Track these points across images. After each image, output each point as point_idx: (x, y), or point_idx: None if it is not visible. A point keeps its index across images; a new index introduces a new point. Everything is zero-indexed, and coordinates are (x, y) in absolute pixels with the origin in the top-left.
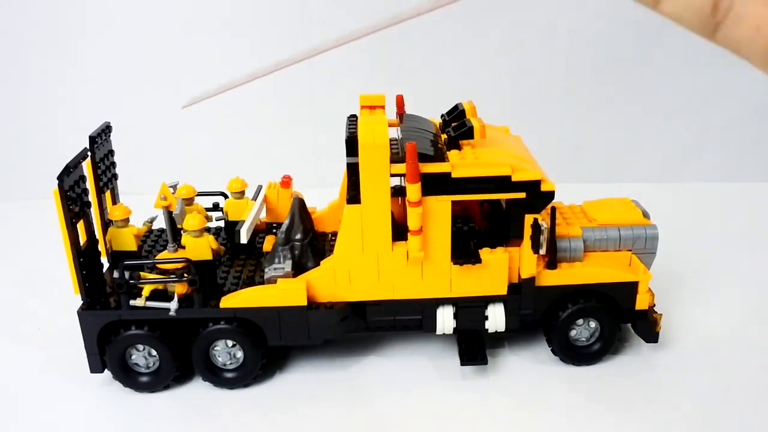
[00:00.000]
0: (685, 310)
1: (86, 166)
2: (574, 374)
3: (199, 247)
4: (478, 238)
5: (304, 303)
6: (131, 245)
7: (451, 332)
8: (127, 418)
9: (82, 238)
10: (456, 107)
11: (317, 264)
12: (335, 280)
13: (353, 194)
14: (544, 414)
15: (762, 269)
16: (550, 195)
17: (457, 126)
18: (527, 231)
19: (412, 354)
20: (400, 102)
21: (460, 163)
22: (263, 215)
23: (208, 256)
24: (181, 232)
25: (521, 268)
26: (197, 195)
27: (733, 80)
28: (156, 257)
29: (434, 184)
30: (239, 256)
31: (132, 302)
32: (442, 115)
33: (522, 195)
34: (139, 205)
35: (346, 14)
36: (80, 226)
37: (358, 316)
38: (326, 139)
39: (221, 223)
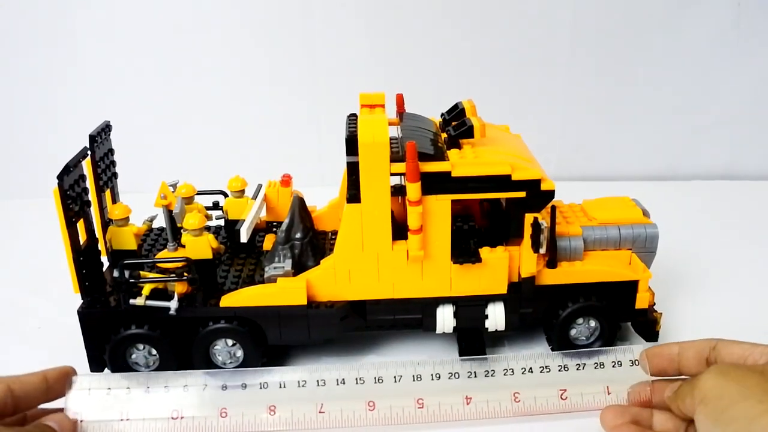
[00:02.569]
0: (685, 308)
1: (86, 165)
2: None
3: (199, 246)
4: (478, 236)
5: (304, 302)
6: (131, 244)
7: (451, 331)
8: None
9: (82, 237)
10: (456, 106)
11: (317, 263)
12: (335, 279)
13: (353, 193)
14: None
15: (762, 267)
16: (550, 194)
17: (457, 125)
18: (527, 230)
19: (412, 353)
20: (400, 101)
21: (460, 162)
22: (263, 214)
23: (208, 255)
24: (181, 230)
25: (521, 267)
26: (197, 194)
27: (733, 77)
28: (156, 256)
29: (434, 183)
30: (239, 255)
31: (132, 301)
32: (442, 114)
33: (522, 194)
34: (139, 203)
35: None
36: (80, 225)
37: (358, 315)
38: (326, 138)
39: (221, 222)
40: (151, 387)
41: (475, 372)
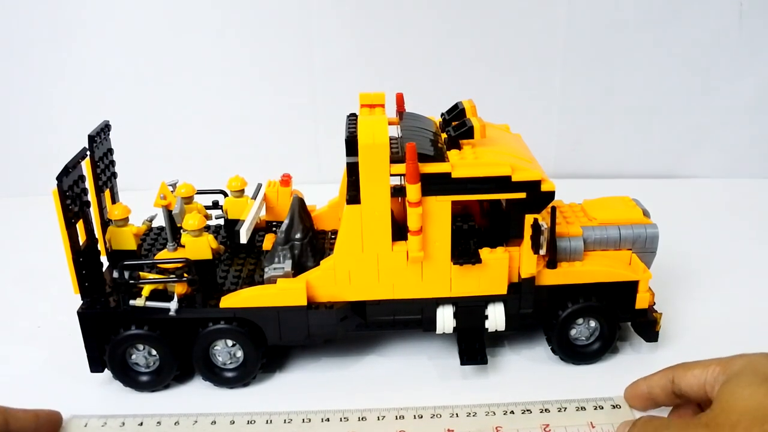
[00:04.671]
0: (685, 308)
1: (85, 165)
2: (574, 373)
3: (199, 247)
4: (478, 236)
5: (304, 303)
6: (131, 244)
7: (451, 331)
8: None
9: (82, 238)
10: (456, 106)
11: (317, 263)
12: (335, 280)
13: (353, 194)
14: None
15: (763, 267)
16: (551, 195)
17: (458, 125)
18: (527, 231)
19: (412, 353)
20: (400, 100)
21: (460, 163)
22: (263, 214)
23: (208, 256)
24: (181, 231)
25: (521, 267)
26: (197, 193)
27: (735, 76)
28: (155, 256)
29: (434, 184)
30: (239, 255)
31: (132, 302)
32: (443, 114)
33: (522, 195)
34: (138, 203)
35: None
36: (79, 226)
37: (358, 315)
38: (326, 138)
39: (221, 222)
40: (144, 422)
41: (457, 413)
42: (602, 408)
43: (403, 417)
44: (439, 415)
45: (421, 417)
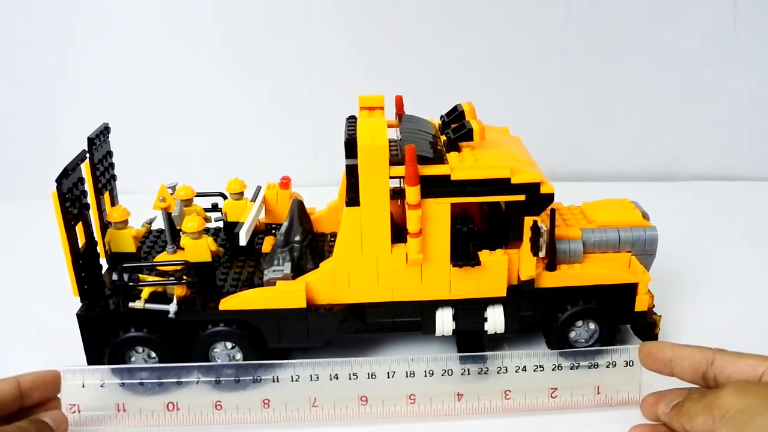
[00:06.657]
0: (684, 310)
1: (85, 168)
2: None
3: (198, 249)
4: (478, 239)
5: (304, 305)
6: (130, 247)
7: (451, 334)
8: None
9: (81, 240)
10: (455, 108)
11: (316, 265)
12: (334, 282)
13: (352, 196)
14: (543, 416)
15: (761, 269)
16: (550, 197)
17: (457, 128)
18: (527, 233)
19: (411, 356)
20: (399, 103)
21: (459, 166)
22: (262, 216)
23: (207, 258)
24: (180, 233)
25: (520, 269)
26: (196, 196)
27: (731, 77)
28: (155, 259)
29: (433, 187)
30: (238, 257)
31: (131, 304)
32: (442, 117)
33: (521, 197)
34: (137, 205)
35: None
36: (79, 228)
37: (358, 317)
38: (325, 140)
39: (220, 224)
40: (146, 381)
41: (468, 369)
42: (615, 365)
43: (414, 374)
44: (450, 372)
45: (432, 374)
